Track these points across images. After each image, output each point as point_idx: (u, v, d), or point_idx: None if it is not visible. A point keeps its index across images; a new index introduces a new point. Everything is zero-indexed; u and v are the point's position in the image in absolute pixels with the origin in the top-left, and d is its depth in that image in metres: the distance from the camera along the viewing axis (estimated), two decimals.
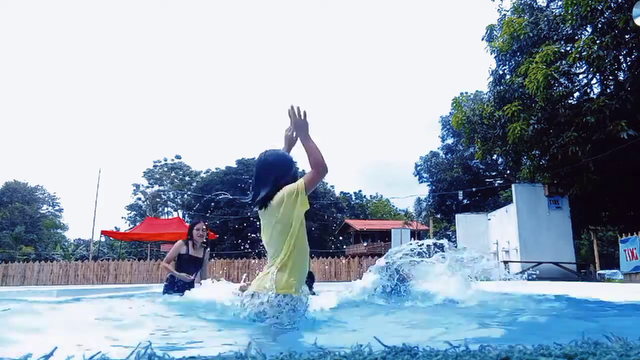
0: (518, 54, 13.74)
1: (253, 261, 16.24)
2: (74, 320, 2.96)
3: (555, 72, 11.79)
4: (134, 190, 45.57)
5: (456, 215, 17.73)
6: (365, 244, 37.22)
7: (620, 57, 12.36)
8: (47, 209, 47.06)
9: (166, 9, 75.67)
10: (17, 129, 72.08)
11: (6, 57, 64.06)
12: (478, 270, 3.99)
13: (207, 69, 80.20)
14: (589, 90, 13.87)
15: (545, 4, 14.64)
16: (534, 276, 7.76)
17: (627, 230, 12.08)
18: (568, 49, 12.47)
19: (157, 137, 77.57)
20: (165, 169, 46.03)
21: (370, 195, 55.36)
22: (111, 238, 30.54)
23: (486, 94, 16.15)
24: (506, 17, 14.49)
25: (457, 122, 15.84)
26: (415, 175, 29.35)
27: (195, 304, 3.39)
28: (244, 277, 4.20)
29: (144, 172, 45.52)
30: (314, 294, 3.71)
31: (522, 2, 14.53)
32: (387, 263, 4.12)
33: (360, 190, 53.38)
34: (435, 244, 4.25)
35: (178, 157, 46.88)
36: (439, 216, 29.97)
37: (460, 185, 24.69)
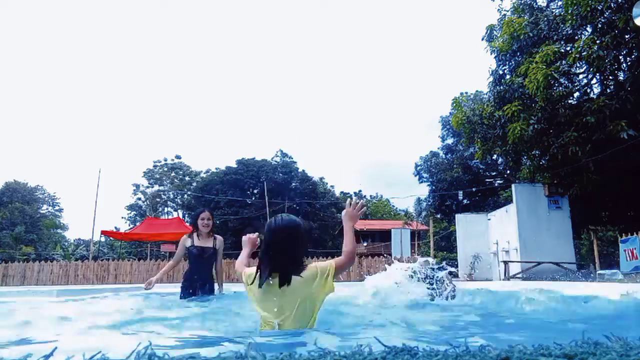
0: (518, 54, 13.74)
1: (252, 260, 16.22)
2: (74, 320, 2.96)
3: (555, 72, 11.79)
4: (134, 190, 45.58)
5: (456, 215, 17.72)
6: (365, 244, 37.26)
7: (620, 57, 12.36)
8: (47, 209, 47.06)
9: (166, 9, 75.68)
10: (17, 129, 72.11)
11: (6, 57, 64.08)
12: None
13: (207, 69, 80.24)
14: (589, 90, 13.88)
15: (545, 4, 14.64)
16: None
17: (627, 230, 12.08)
18: (568, 49, 12.47)
19: (157, 137, 77.54)
20: (165, 169, 46.02)
21: (370, 195, 55.38)
22: (111, 238, 30.53)
23: (486, 94, 16.15)
24: (506, 17, 14.49)
25: (457, 122, 15.83)
26: (415, 175, 29.34)
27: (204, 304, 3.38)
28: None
29: (144, 172, 45.54)
30: None
31: (522, 2, 14.53)
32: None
33: (360, 190, 53.31)
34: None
35: (178, 157, 46.89)
36: (439, 216, 29.95)
37: (460, 185, 24.68)
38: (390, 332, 2.31)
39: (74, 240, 45.38)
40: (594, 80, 13.82)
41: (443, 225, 31.47)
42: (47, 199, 47.59)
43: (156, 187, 45.50)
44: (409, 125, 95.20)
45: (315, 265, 2.15)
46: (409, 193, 78.36)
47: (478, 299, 4.42)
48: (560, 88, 12.86)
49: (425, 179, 28.72)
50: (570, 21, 12.21)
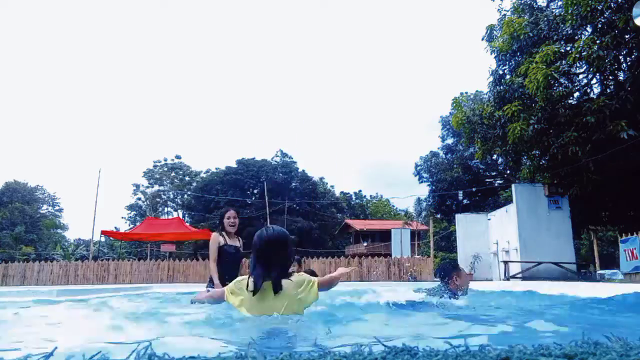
0: (518, 54, 13.74)
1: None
2: (74, 320, 2.96)
3: (555, 72, 11.79)
4: (134, 190, 45.60)
5: (456, 215, 17.73)
6: (365, 244, 37.25)
7: (620, 57, 12.35)
8: (47, 209, 47.09)
9: (166, 9, 75.69)
10: (17, 129, 72.14)
11: (6, 57, 64.10)
12: None
13: (207, 69, 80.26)
14: (589, 90, 13.88)
15: (545, 4, 14.63)
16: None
17: (627, 230, 12.08)
18: (568, 49, 12.47)
19: (157, 137, 77.62)
20: (165, 169, 46.03)
21: (370, 195, 55.37)
22: (111, 238, 30.52)
23: (486, 94, 16.15)
24: (506, 17, 14.48)
25: (457, 122, 15.83)
26: (415, 175, 29.36)
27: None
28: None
29: (144, 172, 45.55)
30: None
31: (522, 2, 14.53)
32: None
33: (360, 190, 53.33)
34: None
35: (178, 157, 46.91)
36: (439, 216, 29.97)
37: (460, 185, 24.68)
38: (390, 332, 2.31)
39: (74, 240, 45.38)
40: (594, 80, 13.83)
41: (443, 225, 31.47)
42: (47, 199, 47.62)
43: (156, 187, 45.52)
44: (409, 125, 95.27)
45: (303, 275, 2.43)
46: (409, 193, 78.43)
47: (478, 299, 4.42)
48: (560, 88, 12.86)
49: (425, 179, 28.73)
50: (570, 21, 12.21)
